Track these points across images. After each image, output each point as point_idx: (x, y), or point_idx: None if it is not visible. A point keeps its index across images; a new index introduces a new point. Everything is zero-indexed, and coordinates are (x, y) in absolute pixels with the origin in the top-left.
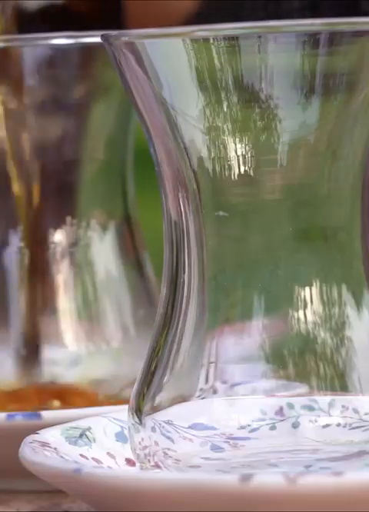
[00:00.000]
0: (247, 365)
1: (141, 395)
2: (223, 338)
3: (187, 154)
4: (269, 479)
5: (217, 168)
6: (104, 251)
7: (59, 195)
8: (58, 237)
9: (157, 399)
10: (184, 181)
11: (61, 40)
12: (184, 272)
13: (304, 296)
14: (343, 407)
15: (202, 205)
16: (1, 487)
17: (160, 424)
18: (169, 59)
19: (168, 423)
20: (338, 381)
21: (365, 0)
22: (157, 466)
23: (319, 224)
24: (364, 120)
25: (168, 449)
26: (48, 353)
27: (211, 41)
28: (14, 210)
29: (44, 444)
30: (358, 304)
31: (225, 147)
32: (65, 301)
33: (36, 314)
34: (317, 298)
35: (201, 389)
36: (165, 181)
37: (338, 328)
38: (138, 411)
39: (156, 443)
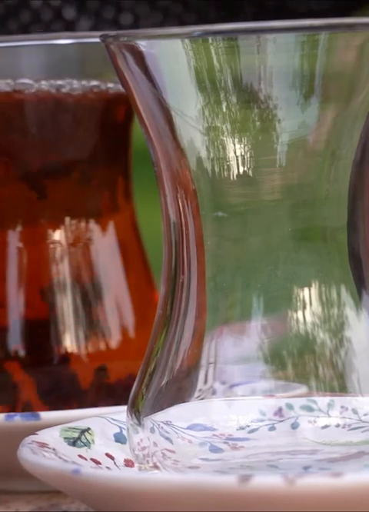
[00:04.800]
0: (246, 366)
1: (140, 396)
2: (222, 339)
3: (186, 154)
4: (268, 480)
5: (216, 169)
6: (103, 251)
7: (59, 195)
8: (58, 237)
9: (156, 400)
10: (183, 182)
11: (61, 40)
12: (183, 273)
13: (303, 297)
14: (342, 407)
15: (201, 206)
16: (0, 488)
17: (159, 425)
18: (168, 59)
19: (167, 423)
20: (337, 382)
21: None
22: (155, 467)
23: (318, 225)
24: (363, 120)
25: (167, 450)
26: None
27: (210, 41)
28: (15, 209)
29: (43, 445)
30: (357, 304)
31: (224, 148)
32: (65, 301)
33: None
34: (316, 299)
35: (200, 390)
36: (164, 182)
37: (337, 329)
38: (137, 412)
39: (155, 444)
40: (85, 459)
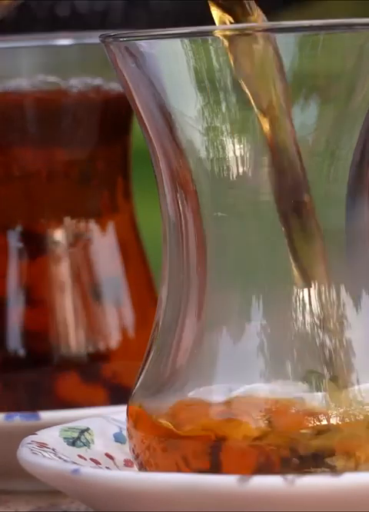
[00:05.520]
0: (245, 365)
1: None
2: (222, 339)
3: (185, 154)
4: (267, 480)
5: (216, 169)
6: (103, 251)
7: (59, 195)
8: (58, 237)
9: (156, 400)
10: (183, 182)
11: (60, 40)
12: (182, 273)
13: (303, 297)
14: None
15: (201, 206)
16: (0, 488)
17: None
18: (167, 60)
19: None
20: (336, 382)
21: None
22: None
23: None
24: (362, 120)
25: None
26: None
27: (210, 41)
28: (15, 209)
29: (43, 445)
30: (357, 305)
31: (224, 148)
32: (65, 301)
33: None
34: (316, 299)
35: (199, 390)
36: (164, 182)
37: (337, 329)
38: None
39: None
40: (85, 459)
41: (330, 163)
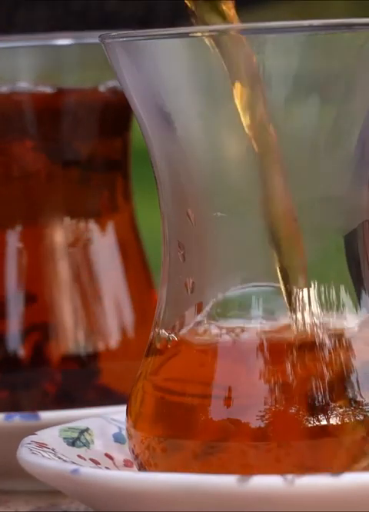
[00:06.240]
0: (245, 366)
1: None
2: (221, 339)
3: (185, 154)
4: (267, 480)
5: (216, 169)
6: (103, 251)
7: (59, 195)
8: (58, 237)
9: None
10: (183, 182)
11: (61, 40)
12: (182, 273)
13: (303, 297)
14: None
15: (201, 206)
16: (0, 488)
17: None
18: (167, 59)
19: None
20: (336, 382)
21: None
22: None
23: (317, 225)
24: (362, 120)
25: None
26: None
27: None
28: (15, 209)
29: (42, 445)
30: (356, 305)
31: (224, 148)
32: (64, 301)
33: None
34: (315, 299)
35: None
36: (163, 182)
37: (336, 329)
38: None
39: None
40: (84, 459)
41: (330, 163)
